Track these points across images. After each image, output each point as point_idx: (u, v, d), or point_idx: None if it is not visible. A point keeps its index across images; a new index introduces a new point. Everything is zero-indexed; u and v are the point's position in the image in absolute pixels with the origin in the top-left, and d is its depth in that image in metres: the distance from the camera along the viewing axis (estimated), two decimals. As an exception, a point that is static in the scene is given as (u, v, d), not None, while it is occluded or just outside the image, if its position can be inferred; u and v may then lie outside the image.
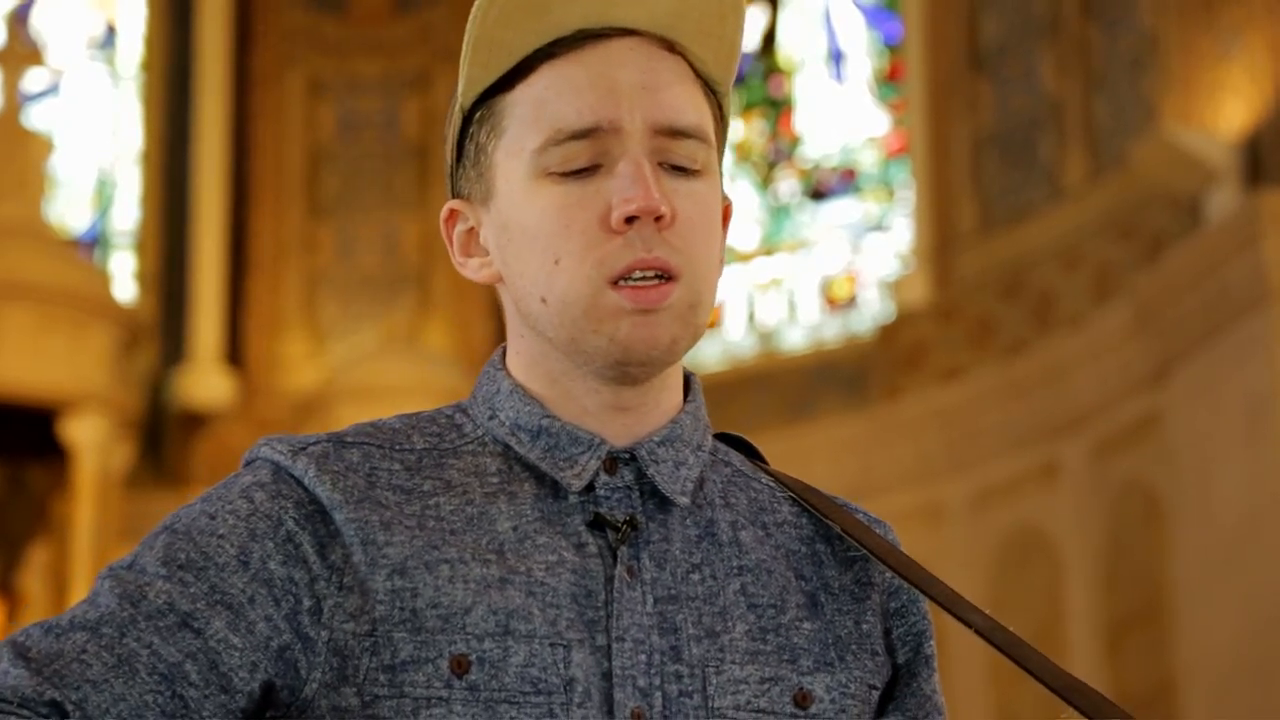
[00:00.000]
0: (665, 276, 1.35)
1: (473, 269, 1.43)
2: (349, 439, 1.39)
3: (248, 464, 1.40)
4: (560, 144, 1.36)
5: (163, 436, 10.65)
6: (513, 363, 1.42)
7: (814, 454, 9.11)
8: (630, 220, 1.34)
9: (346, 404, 9.49)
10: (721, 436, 1.48)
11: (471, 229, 1.43)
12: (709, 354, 10.17)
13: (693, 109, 1.38)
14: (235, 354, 10.83)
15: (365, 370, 10.09)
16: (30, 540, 9.77)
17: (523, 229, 1.37)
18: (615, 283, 1.35)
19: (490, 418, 1.41)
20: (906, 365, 9.49)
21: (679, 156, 1.37)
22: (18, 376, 9.57)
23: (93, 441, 9.68)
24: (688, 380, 1.44)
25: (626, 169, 1.35)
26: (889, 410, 9.38)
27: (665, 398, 1.41)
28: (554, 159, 1.36)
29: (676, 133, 1.37)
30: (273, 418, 10.13)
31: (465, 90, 1.40)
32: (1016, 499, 8.83)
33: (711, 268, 1.38)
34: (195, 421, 10.58)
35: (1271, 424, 7.39)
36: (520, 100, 1.38)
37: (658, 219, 1.34)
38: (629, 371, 1.37)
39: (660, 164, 1.36)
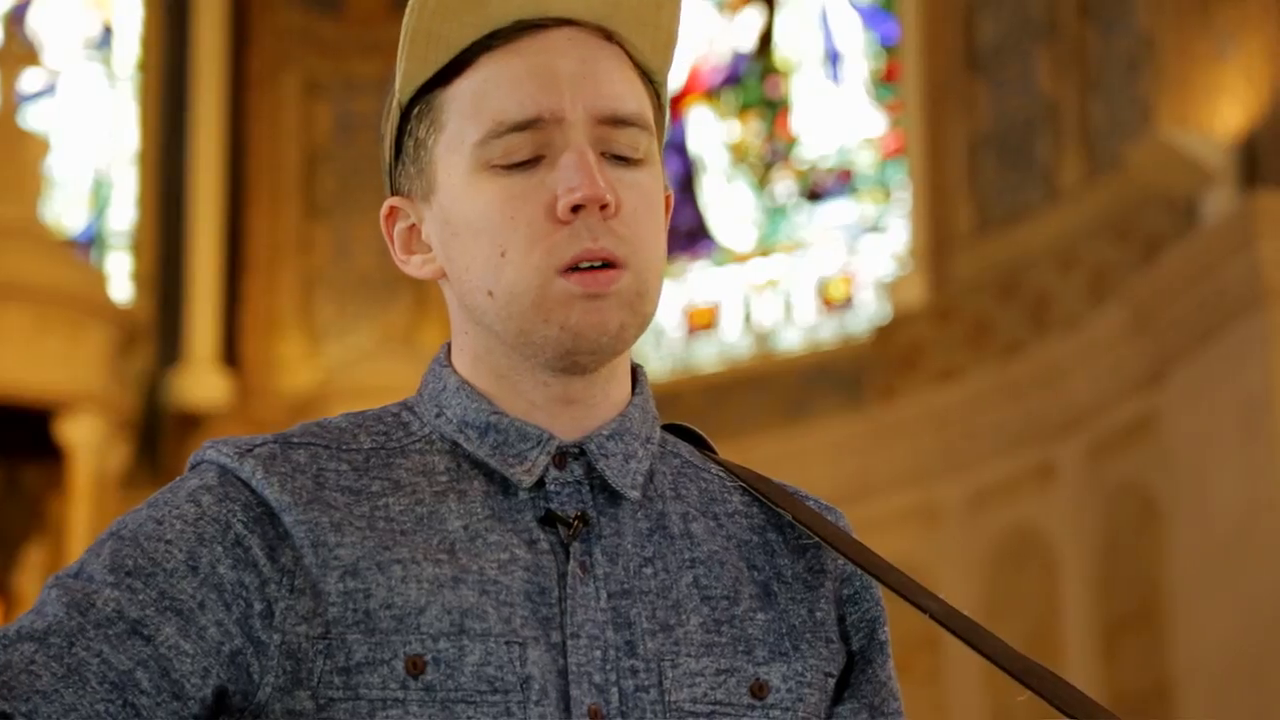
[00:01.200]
0: (612, 266, 1.34)
1: (414, 266, 1.41)
2: (295, 439, 1.38)
3: (193, 467, 1.38)
4: (501, 136, 1.35)
5: (159, 437, 10.65)
6: (457, 359, 1.41)
7: (810, 455, 9.11)
8: (576, 210, 1.33)
9: (343, 404, 9.47)
10: (669, 427, 1.47)
11: (412, 226, 1.41)
12: (705, 355, 10.17)
13: (633, 97, 1.37)
14: (231, 354, 10.83)
15: (362, 371, 10.09)
16: (26, 541, 9.76)
17: (466, 223, 1.36)
18: (562, 272, 1.34)
19: (437, 415, 1.39)
20: (903, 366, 9.50)
21: (621, 145, 1.36)
22: (14, 377, 9.57)
23: (89, 442, 9.68)
24: (634, 373, 1.43)
25: (570, 158, 1.34)
26: (885, 411, 9.38)
27: (614, 389, 1.40)
28: (495, 151, 1.35)
29: (618, 121, 1.36)
30: (269, 418, 10.13)
31: (403, 85, 1.38)
32: (1012, 500, 8.83)
33: (657, 257, 1.37)
34: (191, 422, 10.57)
35: (1267, 425, 7.39)
36: (459, 94, 1.37)
37: (603, 208, 1.34)
38: (578, 360, 1.36)
39: (603, 154, 1.35)
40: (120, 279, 10.97)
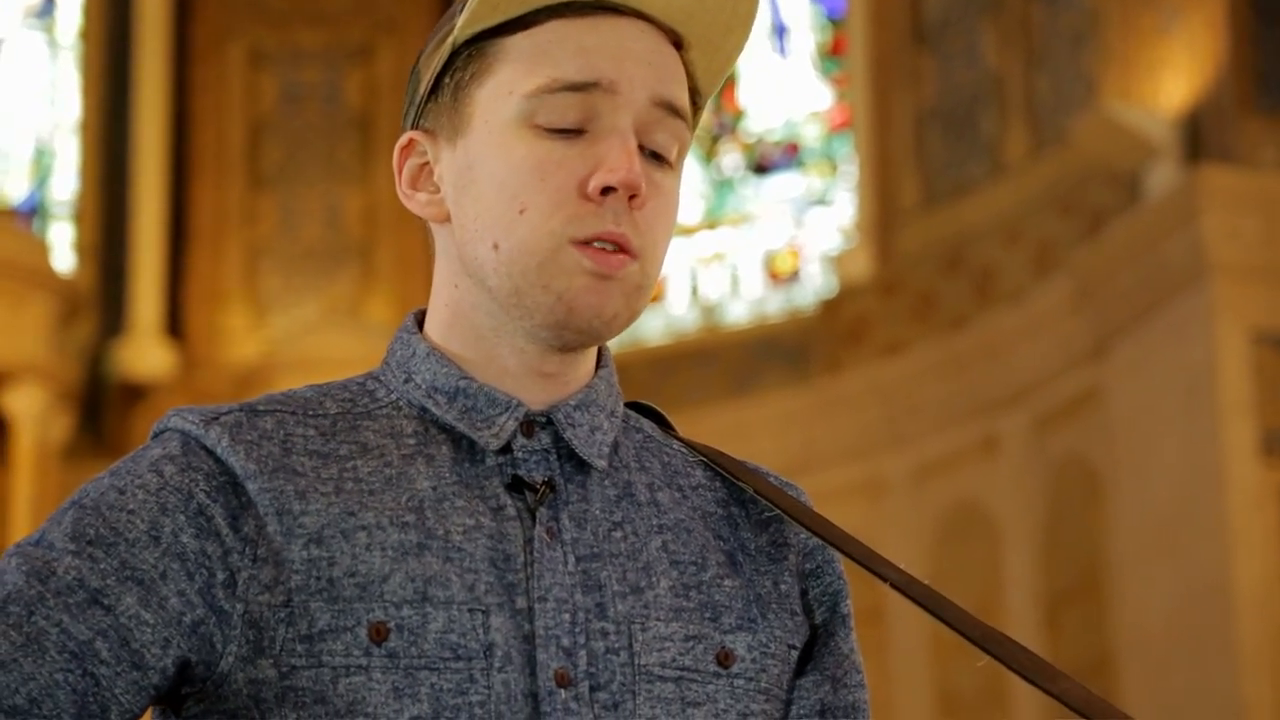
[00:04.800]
0: (625, 252, 1.35)
1: (418, 203, 1.41)
2: (261, 407, 1.38)
3: (156, 435, 1.38)
4: (555, 93, 1.35)
5: (102, 408, 10.60)
6: (434, 318, 1.42)
7: (756, 428, 9.13)
8: (605, 192, 1.34)
9: (287, 376, 9.45)
10: (630, 405, 1.48)
11: (425, 164, 1.41)
12: (652, 328, 10.18)
13: (684, 99, 1.39)
14: (175, 326, 10.78)
15: (306, 343, 10.06)
16: (-32, 512, 9.71)
17: (490, 173, 1.36)
18: (576, 244, 1.34)
19: (405, 381, 1.40)
20: (848, 339, 9.52)
21: (662, 137, 1.37)
22: (-45, 347, 9.51)
23: (31, 413, 9.63)
24: (599, 349, 1.45)
25: (616, 141, 1.35)
26: (830, 384, 9.41)
27: (583, 365, 1.42)
28: (543, 108, 1.35)
29: (670, 108, 1.37)
30: (213, 390, 10.09)
31: (465, 25, 1.38)
32: (956, 473, 8.88)
33: (661, 259, 1.39)
34: (135, 393, 10.53)
35: (1208, 399, 7.44)
36: (519, 46, 1.37)
37: (633, 197, 1.35)
38: (564, 335, 1.37)
39: (641, 148, 1.37)
40: (63, 249, 10.91)
